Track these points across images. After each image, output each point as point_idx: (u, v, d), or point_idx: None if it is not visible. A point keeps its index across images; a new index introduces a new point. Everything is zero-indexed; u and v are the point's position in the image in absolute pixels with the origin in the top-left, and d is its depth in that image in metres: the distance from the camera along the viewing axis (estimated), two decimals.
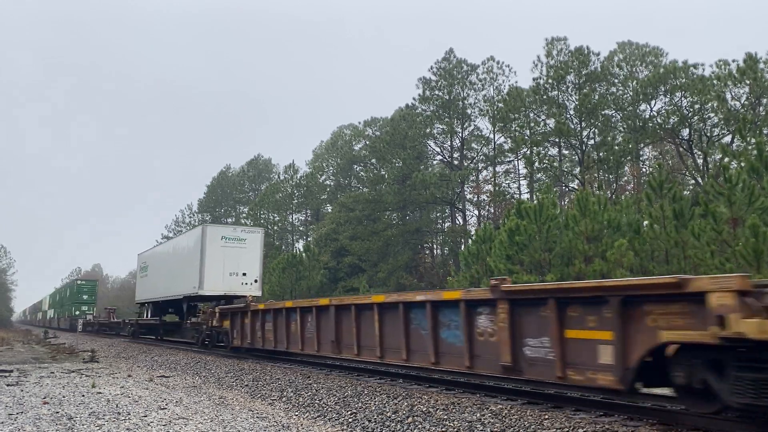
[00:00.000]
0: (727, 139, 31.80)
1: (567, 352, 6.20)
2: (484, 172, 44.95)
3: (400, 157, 41.94)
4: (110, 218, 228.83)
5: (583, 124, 36.27)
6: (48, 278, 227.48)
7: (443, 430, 6.56)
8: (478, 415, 6.82)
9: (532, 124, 38.02)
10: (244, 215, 68.44)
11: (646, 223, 19.92)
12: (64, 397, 9.63)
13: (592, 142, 36.56)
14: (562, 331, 6.24)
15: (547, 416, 6.47)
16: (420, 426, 6.80)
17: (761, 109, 29.07)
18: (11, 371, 13.61)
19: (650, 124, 34.54)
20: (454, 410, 7.14)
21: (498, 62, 41.97)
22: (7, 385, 10.98)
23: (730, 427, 5.38)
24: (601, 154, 35.00)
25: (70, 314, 47.08)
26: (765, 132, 25.87)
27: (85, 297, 47.98)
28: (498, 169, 43.80)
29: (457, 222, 43.76)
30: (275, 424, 7.43)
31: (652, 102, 35.29)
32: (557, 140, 37.63)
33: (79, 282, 50.61)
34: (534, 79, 37.62)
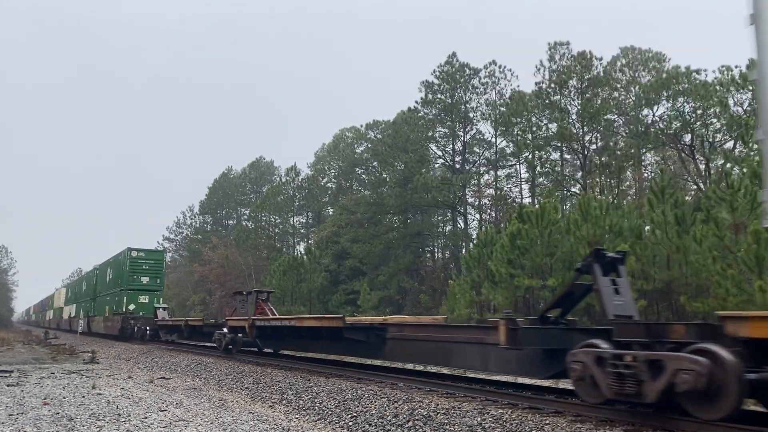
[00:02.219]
0: (730, 144, 31.78)
1: None
2: (486, 176, 44.97)
3: (401, 160, 41.95)
4: (111, 219, 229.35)
5: (586, 129, 36.27)
6: (47, 279, 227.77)
7: None
8: (479, 419, 6.81)
9: (534, 129, 38.02)
10: (246, 217, 68.48)
11: (648, 228, 19.91)
12: (64, 397, 9.62)
13: (594, 146, 36.57)
14: None
15: (548, 422, 6.45)
16: (420, 430, 6.78)
17: None
18: (12, 372, 13.60)
19: (652, 129, 34.53)
20: (454, 414, 7.13)
21: (500, 66, 42.05)
22: (8, 386, 10.97)
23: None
24: (603, 159, 34.99)
25: (117, 310, 27.77)
26: None
27: (145, 279, 28.13)
28: (500, 173, 43.85)
29: (459, 226, 43.75)
30: (275, 426, 7.42)
31: (655, 107, 35.30)
32: (559, 144, 37.61)
33: (134, 253, 28.49)
34: (536, 84, 37.67)
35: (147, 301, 27.70)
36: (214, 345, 17.23)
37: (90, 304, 35.11)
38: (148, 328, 25.26)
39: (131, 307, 27.26)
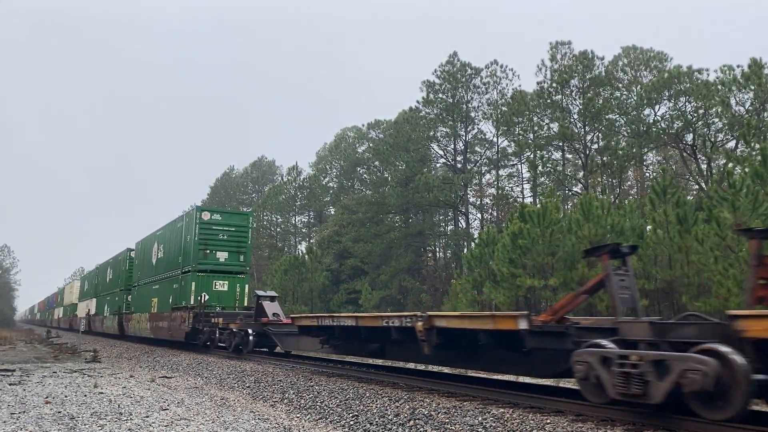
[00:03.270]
0: (731, 144, 31.74)
1: None
2: (488, 176, 45.00)
3: (403, 160, 41.95)
4: (111, 219, 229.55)
5: (587, 128, 36.22)
6: (47, 279, 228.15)
7: None
8: (480, 419, 6.81)
9: (536, 128, 37.99)
10: None
11: (649, 227, 19.89)
12: (66, 396, 9.64)
13: (595, 146, 36.51)
14: None
15: (549, 421, 6.45)
16: (422, 429, 6.78)
17: (765, 114, 28.99)
18: (14, 370, 13.63)
19: (654, 129, 34.47)
20: (456, 413, 7.13)
21: (501, 66, 42.03)
22: (10, 385, 10.99)
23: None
24: (604, 159, 34.93)
25: (179, 304, 18.24)
26: None
27: (222, 256, 18.25)
28: (501, 172, 43.82)
29: (460, 225, 43.74)
30: (277, 425, 7.43)
31: (656, 107, 35.24)
32: (561, 144, 37.58)
33: (206, 215, 18.62)
34: (538, 83, 37.62)
35: (226, 288, 18.17)
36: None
37: (121, 298, 26.03)
38: (251, 331, 15.13)
39: (205, 298, 17.70)
